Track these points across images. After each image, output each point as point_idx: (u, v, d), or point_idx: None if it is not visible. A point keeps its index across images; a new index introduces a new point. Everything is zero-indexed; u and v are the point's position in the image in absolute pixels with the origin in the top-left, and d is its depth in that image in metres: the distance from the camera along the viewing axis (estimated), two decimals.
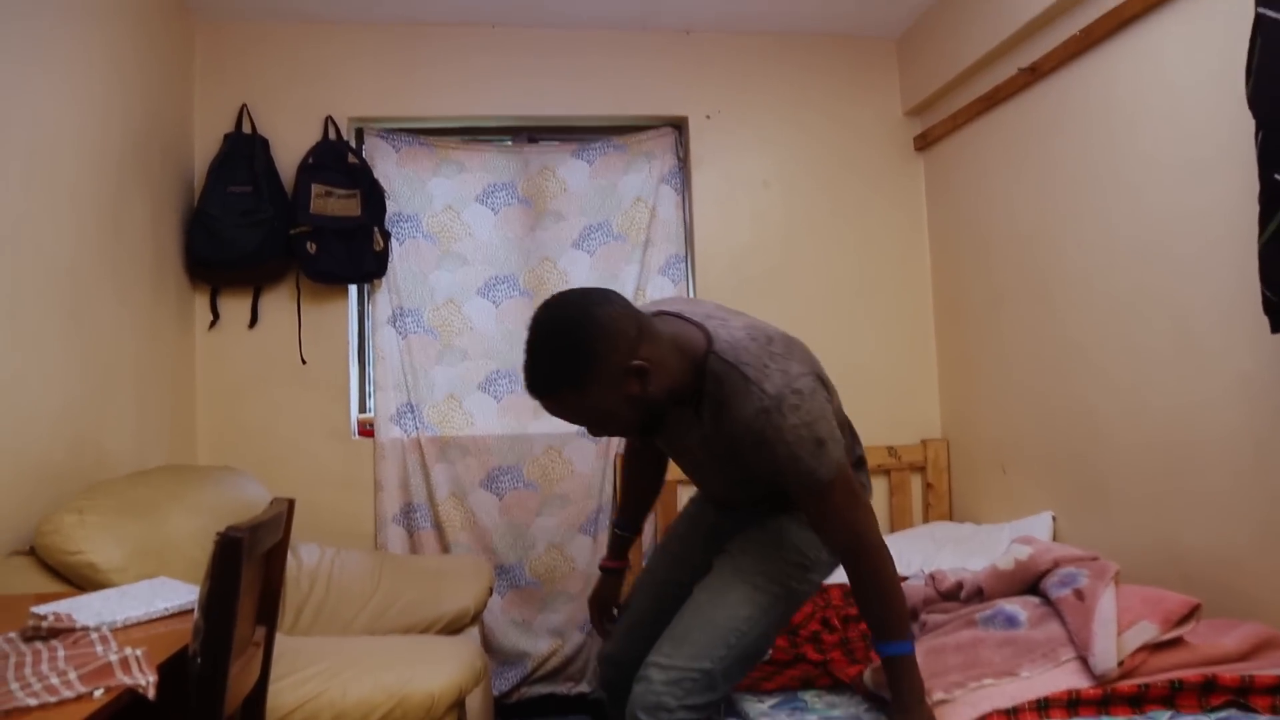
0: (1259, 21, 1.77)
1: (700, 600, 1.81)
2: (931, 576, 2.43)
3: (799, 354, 1.70)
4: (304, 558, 2.77)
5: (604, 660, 2.09)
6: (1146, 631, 1.83)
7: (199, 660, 1.29)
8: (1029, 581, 2.19)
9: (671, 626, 1.80)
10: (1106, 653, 1.81)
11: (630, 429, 1.69)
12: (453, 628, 2.70)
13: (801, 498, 1.66)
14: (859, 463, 1.93)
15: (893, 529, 3.63)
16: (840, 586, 2.90)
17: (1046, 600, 2.08)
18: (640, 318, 1.60)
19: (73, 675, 1.19)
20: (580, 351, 1.53)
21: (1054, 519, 2.93)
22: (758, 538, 1.86)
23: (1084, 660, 1.86)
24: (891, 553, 1.71)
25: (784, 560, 1.83)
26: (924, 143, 3.74)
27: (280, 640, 2.02)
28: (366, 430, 3.49)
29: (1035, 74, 2.91)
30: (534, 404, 3.60)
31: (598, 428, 1.69)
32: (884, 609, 1.67)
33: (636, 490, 2.18)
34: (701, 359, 1.63)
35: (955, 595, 2.34)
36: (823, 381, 1.71)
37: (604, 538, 3.50)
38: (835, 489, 1.62)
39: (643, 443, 2.09)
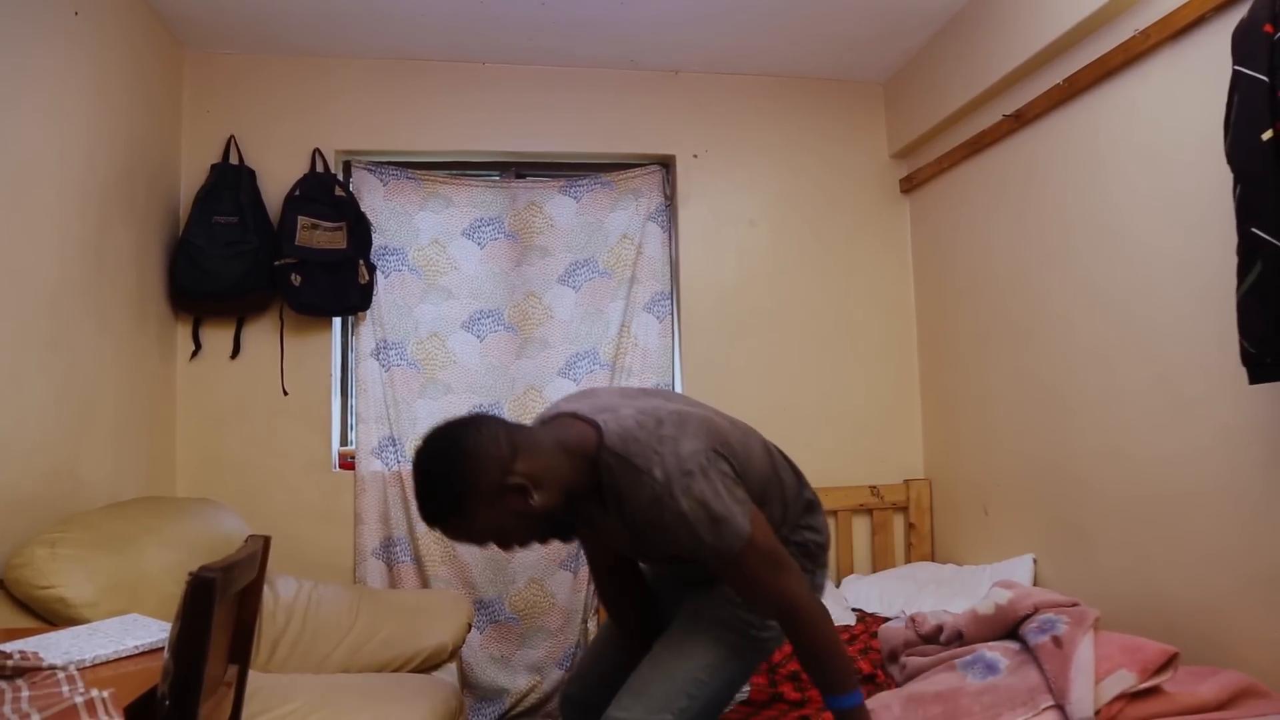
0: (1236, 78, 1.80)
1: (658, 652, 1.78)
2: (912, 619, 2.42)
3: (693, 430, 1.67)
4: (281, 591, 2.74)
5: (567, 701, 2.04)
6: (1124, 680, 1.83)
7: (167, 703, 1.27)
8: (1008, 626, 2.19)
9: (630, 679, 1.76)
10: (1083, 701, 1.80)
11: (534, 538, 1.68)
12: (431, 663, 2.67)
13: (720, 571, 1.65)
14: (810, 506, 1.92)
15: (875, 568, 3.63)
16: None
17: (1025, 646, 2.08)
18: (516, 434, 1.61)
19: (36, 718, 1.17)
20: (451, 482, 1.55)
21: (1035, 562, 2.94)
22: (716, 588, 1.83)
23: (1062, 708, 1.85)
24: (828, 610, 1.70)
25: (742, 607, 1.79)
26: (910, 185, 3.78)
27: (254, 677, 2.00)
28: (347, 463, 3.47)
29: (1020, 121, 2.95)
30: None
31: (501, 543, 1.66)
32: (828, 665, 1.66)
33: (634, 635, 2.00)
34: (594, 454, 1.63)
35: (935, 638, 2.33)
36: (723, 453, 1.68)
37: (585, 573, 3.48)
38: (747, 559, 1.61)
39: (604, 565, 1.99)
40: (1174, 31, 2.27)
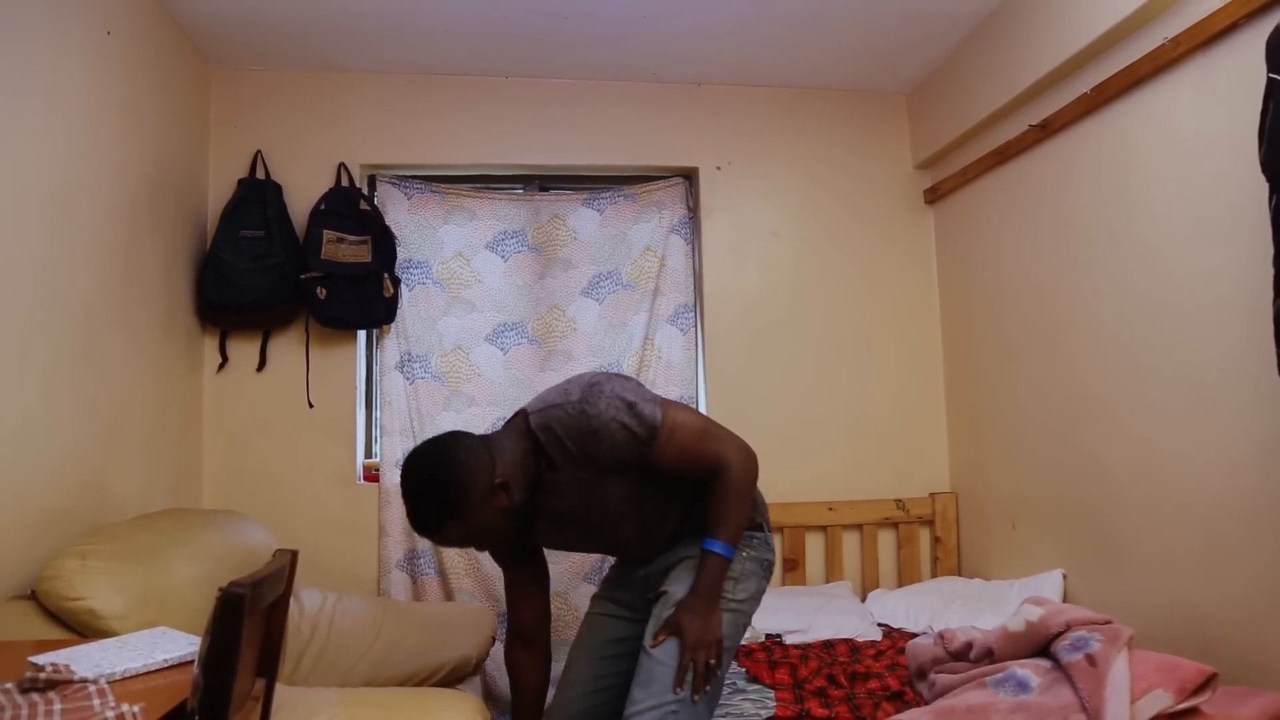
0: (1271, 86, 1.78)
1: (649, 645, 1.87)
2: (941, 635, 2.39)
3: (590, 373, 1.94)
4: (306, 603, 2.74)
5: None
6: (1161, 700, 1.79)
7: (196, 717, 1.27)
8: (1040, 643, 2.15)
9: (635, 677, 1.86)
10: None
11: (509, 534, 1.90)
12: (455, 676, 2.67)
13: (659, 459, 1.84)
14: None
15: (900, 583, 3.59)
16: (847, 642, 2.88)
17: (1058, 664, 2.04)
18: (488, 441, 1.87)
19: None
20: (449, 490, 1.77)
21: (1064, 577, 2.90)
22: (682, 568, 1.95)
23: None
24: (758, 461, 1.92)
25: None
26: (934, 196, 3.76)
27: (280, 690, 2.00)
28: (372, 475, 3.48)
29: (1046, 130, 2.93)
30: None
31: (481, 543, 1.91)
32: (726, 516, 1.85)
33: (529, 690, 2.19)
34: (528, 429, 1.87)
35: (965, 655, 2.30)
36: (627, 377, 1.94)
37: None
38: (673, 431, 1.84)
39: (522, 633, 2.19)
40: (1206, 38, 2.24)
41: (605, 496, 1.91)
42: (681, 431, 1.85)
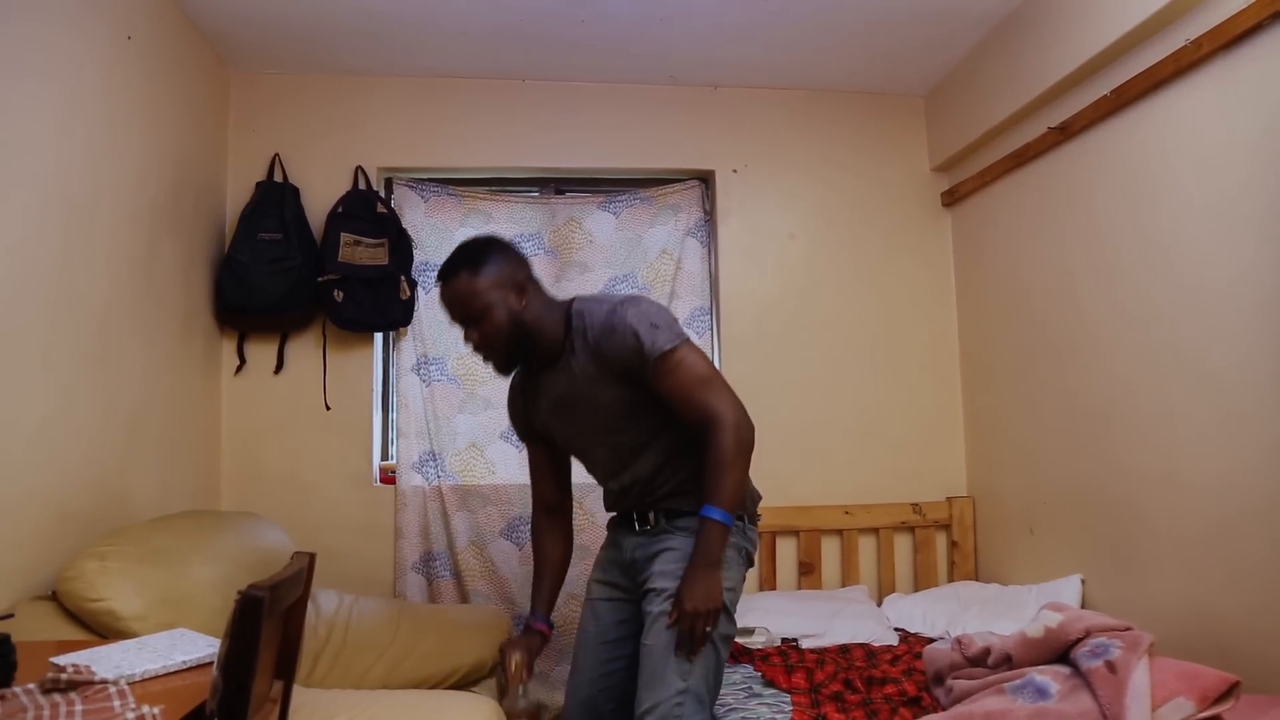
0: None
1: (649, 644, 1.92)
2: (958, 641, 2.37)
3: (642, 295, 2.10)
4: (322, 605, 2.76)
5: None
6: (1182, 709, 1.77)
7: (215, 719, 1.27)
8: (1059, 650, 2.14)
9: (639, 677, 1.91)
10: None
11: (500, 340, 2.01)
12: (470, 679, 2.67)
13: (657, 384, 1.94)
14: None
15: (917, 587, 3.57)
16: (863, 647, 2.86)
17: (1077, 671, 2.03)
18: (538, 281, 2.09)
19: None
20: (484, 249, 2.03)
21: (1083, 582, 2.87)
22: (666, 559, 2.01)
23: None
24: (753, 429, 1.96)
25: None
26: (951, 199, 3.74)
27: (296, 692, 2.00)
28: (388, 477, 3.49)
29: (1065, 133, 2.91)
30: None
31: (476, 323, 1.99)
32: (722, 480, 1.88)
33: (549, 564, 2.31)
34: (568, 309, 2.06)
35: (982, 661, 2.28)
36: (668, 311, 2.06)
37: None
38: (678, 364, 1.92)
39: (544, 505, 2.32)
40: (1228, 40, 2.22)
41: (598, 399, 2.02)
42: (685, 369, 1.92)
